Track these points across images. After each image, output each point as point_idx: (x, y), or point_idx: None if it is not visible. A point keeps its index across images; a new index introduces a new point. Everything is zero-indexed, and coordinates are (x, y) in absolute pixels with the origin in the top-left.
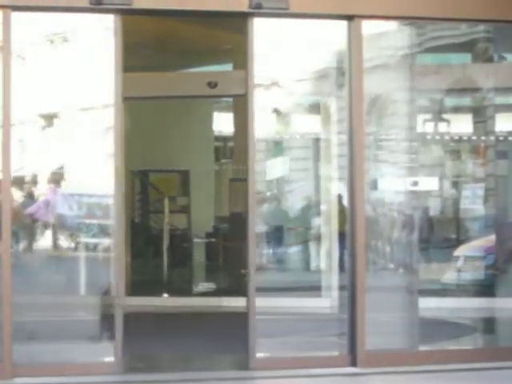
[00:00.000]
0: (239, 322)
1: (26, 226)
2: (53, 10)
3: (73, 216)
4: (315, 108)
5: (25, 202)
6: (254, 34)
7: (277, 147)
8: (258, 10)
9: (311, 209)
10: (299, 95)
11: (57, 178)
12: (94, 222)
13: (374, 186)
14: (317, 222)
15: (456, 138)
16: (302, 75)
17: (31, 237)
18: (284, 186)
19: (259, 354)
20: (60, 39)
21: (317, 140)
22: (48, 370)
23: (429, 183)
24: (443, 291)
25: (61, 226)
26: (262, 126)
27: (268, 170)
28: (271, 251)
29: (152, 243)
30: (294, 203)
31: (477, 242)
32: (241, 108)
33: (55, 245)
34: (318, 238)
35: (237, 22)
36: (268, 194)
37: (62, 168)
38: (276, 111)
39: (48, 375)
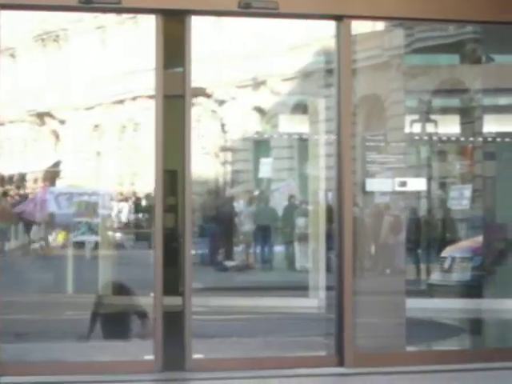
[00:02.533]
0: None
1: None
2: (42, 8)
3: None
4: (303, 107)
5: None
6: (192, 33)
7: (263, 147)
8: (246, 10)
9: (298, 208)
10: (286, 95)
11: (47, 177)
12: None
13: (362, 186)
14: (304, 221)
15: (444, 138)
16: (288, 75)
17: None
18: (271, 186)
19: (243, 354)
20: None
21: (304, 139)
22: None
23: (416, 184)
24: (430, 292)
25: (50, 223)
26: (249, 126)
27: (255, 169)
28: (258, 251)
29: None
30: (281, 203)
31: (464, 242)
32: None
33: (43, 242)
34: (305, 238)
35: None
36: (255, 193)
37: (54, 166)
38: (262, 111)
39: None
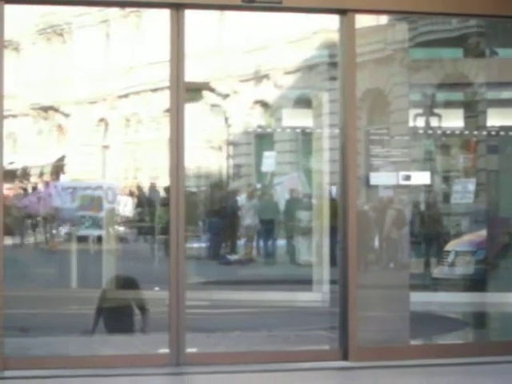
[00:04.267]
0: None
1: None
2: (46, 2)
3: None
4: (306, 101)
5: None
6: (186, 27)
7: (266, 140)
8: (250, 4)
9: (301, 202)
10: (290, 88)
11: (51, 171)
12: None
13: (366, 180)
14: (306, 215)
15: (447, 132)
16: (291, 68)
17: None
18: (274, 180)
19: (245, 348)
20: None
21: (307, 133)
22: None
23: (420, 178)
24: (434, 286)
25: (54, 218)
26: (252, 119)
27: (258, 163)
28: (261, 245)
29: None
30: (284, 196)
31: (468, 236)
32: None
33: (47, 237)
34: (309, 232)
35: None
36: (258, 187)
37: (58, 161)
38: (266, 104)
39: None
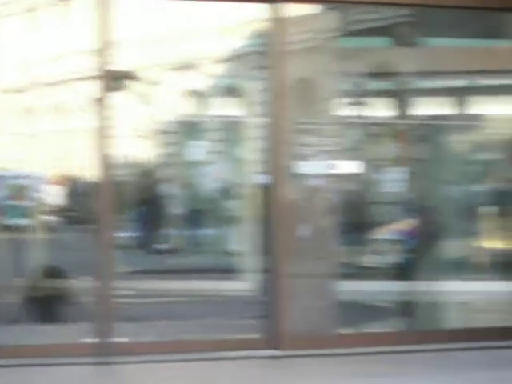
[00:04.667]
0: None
1: None
2: None
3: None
4: (235, 90)
5: None
6: (112, 15)
7: (194, 129)
8: None
9: (229, 191)
10: (218, 77)
11: None
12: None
13: (294, 169)
14: (235, 204)
15: (377, 121)
16: (220, 57)
17: None
18: (202, 169)
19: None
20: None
21: (236, 122)
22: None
23: (349, 167)
24: (362, 274)
25: None
26: (180, 108)
27: (186, 152)
28: (190, 234)
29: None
30: (212, 185)
31: (396, 225)
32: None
33: None
34: (239, 221)
35: None
36: (186, 176)
37: None
38: (194, 93)
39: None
